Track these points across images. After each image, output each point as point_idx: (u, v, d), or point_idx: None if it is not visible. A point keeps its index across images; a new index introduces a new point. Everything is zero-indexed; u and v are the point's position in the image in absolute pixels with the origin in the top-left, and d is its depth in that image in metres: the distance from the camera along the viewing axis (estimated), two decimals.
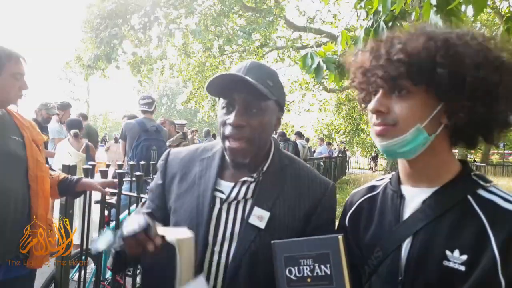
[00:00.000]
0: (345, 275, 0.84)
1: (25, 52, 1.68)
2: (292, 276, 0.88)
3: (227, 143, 1.04)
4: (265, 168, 1.10)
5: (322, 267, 0.86)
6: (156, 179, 1.21)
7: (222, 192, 1.09)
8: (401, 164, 0.94)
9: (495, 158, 25.45)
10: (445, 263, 0.79)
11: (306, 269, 0.87)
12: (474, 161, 18.66)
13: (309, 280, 0.87)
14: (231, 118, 1.02)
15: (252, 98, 1.01)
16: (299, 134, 10.86)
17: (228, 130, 1.03)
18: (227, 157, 1.09)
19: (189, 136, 10.36)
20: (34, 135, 1.76)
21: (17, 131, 1.69)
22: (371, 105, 0.86)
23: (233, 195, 1.08)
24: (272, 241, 0.93)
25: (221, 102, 1.07)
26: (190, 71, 13.89)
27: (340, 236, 0.87)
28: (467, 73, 0.77)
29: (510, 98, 0.80)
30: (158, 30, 12.15)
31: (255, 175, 1.09)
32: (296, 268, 0.88)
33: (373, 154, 23.62)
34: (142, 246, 0.89)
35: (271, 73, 1.08)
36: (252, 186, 1.09)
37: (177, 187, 1.14)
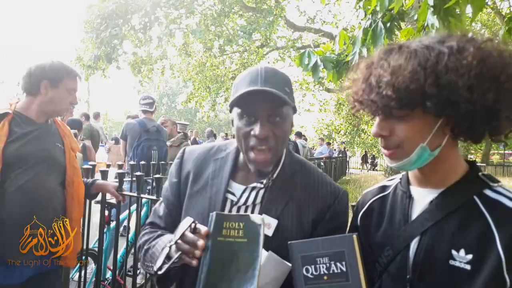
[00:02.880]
0: (360, 271, 0.87)
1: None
2: (309, 275, 0.91)
3: (251, 155, 1.03)
4: (275, 175, 1.10)
5: (338, 264, 0.89)
6: (171, 177, 1.22)
7: (233, 194, 1.10)
8: None
9: (495, 158, 25.41)
10: (451, 262, 0.81)
11: (323, 267, 0.90)
12: (474, 161, 18.59)
13: (325, 277, 0.89)
14: (256, 129, 1.00)
15: (276, 107, 1.01)
16: (299, 134, 10.86)
17: (253, 141, 1.02)
18: (249, 166, 1.07)
19: (192, 137, 10.38)
20: (72, 143, 1.93)
21: (60, 139, 1.87)
22: (373, 130, 0.89)
23: (242, 200, 1.08)
24: (289, 242, 0.95)
25: (238, 111, 1.04)
26: (190, 71, 13.89)
27: (354, 235, 0.89)
28: (460, 97, 0.76)
29: (510, 111, 0.79)
30: (158, 30, 12.15)
31: (264, 181, 1.09)
32: (312, 266, 0.91)
33: (365, 154, 23.52)
34: (193, 246, 0.91)
35: (286, 79, 1.07)
36: (262, 192, 1.09)
37: (190, 187, 1.15)
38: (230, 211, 1.08)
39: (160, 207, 1.23)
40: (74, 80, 1.82)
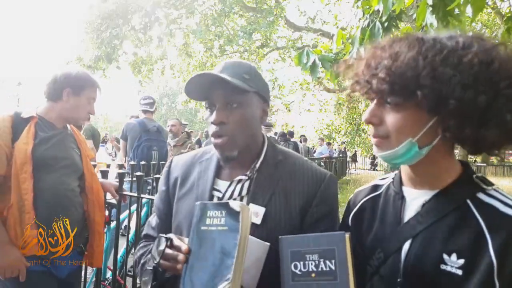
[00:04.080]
0: (349, 271, 0.84)
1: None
2: (297, 271, 0.89)
3: (213, 140, 1.08)
4: (257, 165, 1.11)
5: (327, 262, 0.86)
6: (160, 187, 1.24)
7: (219, 191, 1.11)
8: (403, 166, 0.94)
9: (495, 158, 25.41)
10: (443, 266, 0.80)
11: (311, 264, 0.88)
12: (475, 161, 18.63)
13: (313, 275, 0.87)
14: (212, 116, 1.05)
15: (230, 93, 1.04)
16: (291, 134, 10.87)
17: (212, 128, 1.06)
18: (218, 155, 1.11)
19: (197, 138, 10.40)
20: (87, 150, 1.99)
21: (76, 145, 1.93)
22: (364, 116, 0.87)
23: (228, 194, 1.09)
24: (280, 236, 0.93)
25: (205, 104, 1.10)
26: (190, 71, 13.90)
27: (347, 234, 0.88)
28: (452, 93, 0.74)
29: (500, 122, 0.76)
30: (158, 30, 12.17)
31: (248, 172, 1.10)
32: (301, 263, 0.89)
33: (354, 153, 23.45)
34: (175, 261, 0.92)
35: (247, 67, 1.10)
36: (247, 184, 1.10)
37: (178, 191, 1.17)
38: None
39: (153, 219, 1.26)
40: (95, 91, 1.90)
